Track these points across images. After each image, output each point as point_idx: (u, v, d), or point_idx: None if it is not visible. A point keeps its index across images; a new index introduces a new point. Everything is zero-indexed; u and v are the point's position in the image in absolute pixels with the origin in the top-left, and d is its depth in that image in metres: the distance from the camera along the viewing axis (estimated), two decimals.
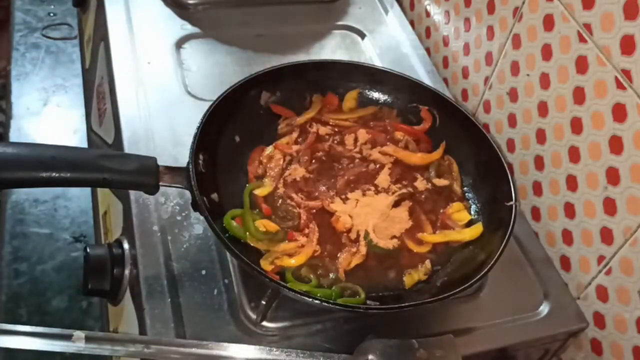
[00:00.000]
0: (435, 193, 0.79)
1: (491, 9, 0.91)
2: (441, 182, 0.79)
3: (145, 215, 0.73)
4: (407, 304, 0.63)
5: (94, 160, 0.61)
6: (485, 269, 0.65)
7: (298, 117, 0.83)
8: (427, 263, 0.71)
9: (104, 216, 0.89)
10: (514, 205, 0.71)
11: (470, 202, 0.79)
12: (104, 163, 0.60)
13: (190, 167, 0.66)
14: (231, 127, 0.77)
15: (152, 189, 0.64)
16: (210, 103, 0.74)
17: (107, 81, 0.92)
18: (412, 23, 1.12)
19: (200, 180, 0.66)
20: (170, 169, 0.65)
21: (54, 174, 0.57)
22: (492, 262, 0.66)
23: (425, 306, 0.63)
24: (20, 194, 1.01)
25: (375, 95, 0.87)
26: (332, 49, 1.03)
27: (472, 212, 0.77)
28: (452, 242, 0.74)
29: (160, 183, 0.64)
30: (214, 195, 0.70)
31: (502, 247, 0.67)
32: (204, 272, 0.70)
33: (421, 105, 0.84)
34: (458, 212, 0.77)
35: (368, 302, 0.66)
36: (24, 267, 0.95)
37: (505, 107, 0.90)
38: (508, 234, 0.68)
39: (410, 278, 0.70)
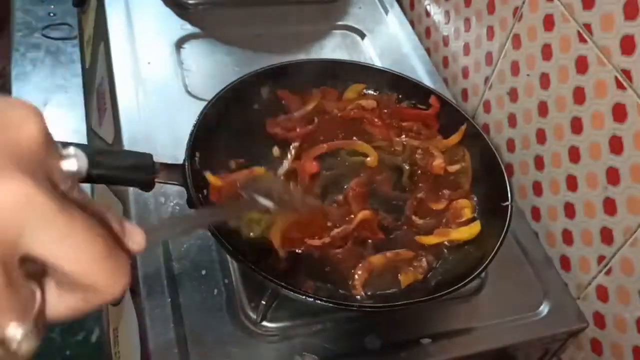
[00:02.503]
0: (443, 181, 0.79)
1: (491, 9, 0.91)
2: (453, 168, 0.79)
3: (145, 215, 0.73)
4: (401, 302, 0.63)
5: (90, 156, 0.60)
6: (480, 268, 0.65)
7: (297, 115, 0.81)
8: (423, 262, 0.71)
9: None
10: (509, 206, 0.71)
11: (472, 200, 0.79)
12: (100, 159, 0.60)
13: (186, 164, 0.66)
14: (228, 125, 0.77)
15: (148, 186, 0.64)
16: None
17: (107, 81, 0.92)
18: (412, 23, 1.12)
19: (196, 178, 0.66)
20: (166, 166, 0.66)
21: None
22: (487, 261, 0.66)
23: (426, 306, 0.63)
24: None
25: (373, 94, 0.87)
26: (332, 49, 1.03)
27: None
28: (450, 242, 0.74)
29: (156, 180, 0.64)
30: None
31: (497, 246, 0.67)
32: (204, 272, 0.70)
33: (420, 105, 0.84)
34: (463, 209, 0.76)
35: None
36: None
37: (505, 107, 0.90)
38: (504, 233, 0.68)
39: (406, 277, 0.70)
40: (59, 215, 0.23)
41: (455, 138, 0.81)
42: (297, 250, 0.68)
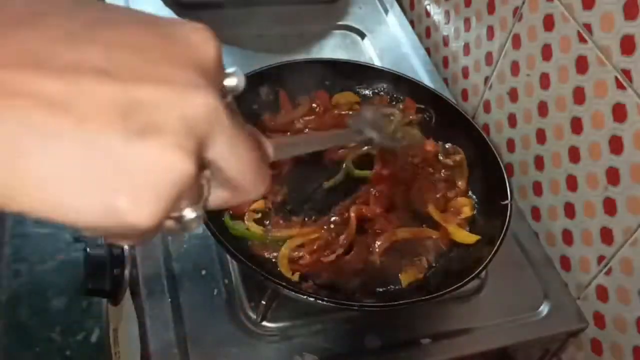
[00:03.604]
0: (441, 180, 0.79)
1: (491, 9, 0.91)
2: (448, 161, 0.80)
3: None
4: (401, 301, 0.63)
5: None
6: (480, 268, 0.65)
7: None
8: (424, 261, 0.71)
9: None
10: (509, 204, 0.71)
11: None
12: None
13: None
14: None
15: None
16: None
17: None
18: (412, 23, 1.12)
19: None
20: None
21: None
22: (487, 261, 0.66)
23: (426, 306, 0.63)
24: None
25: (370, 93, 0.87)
26: (332, 49, 1.03)
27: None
28: (449, 241, 0.74)
29: None
30: None
31: (497, 245, 0.67)
32: (204, 272, 0.70)
33: (419, 104, 0.85)
34: (462, 207, 0.76)
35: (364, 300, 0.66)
36: (24, 267, 0.95)
37: (505, 107, 0.90)
38: (503, 232, 0.68)
39: (407, 276, 0.70)
40: (232, 126, 0.26)
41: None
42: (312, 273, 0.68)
